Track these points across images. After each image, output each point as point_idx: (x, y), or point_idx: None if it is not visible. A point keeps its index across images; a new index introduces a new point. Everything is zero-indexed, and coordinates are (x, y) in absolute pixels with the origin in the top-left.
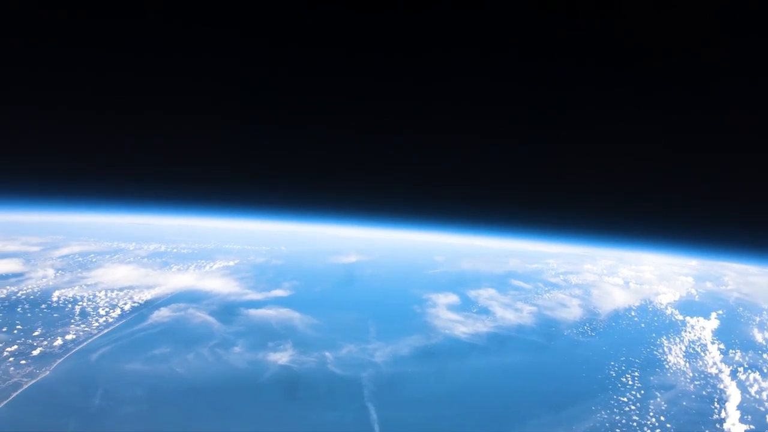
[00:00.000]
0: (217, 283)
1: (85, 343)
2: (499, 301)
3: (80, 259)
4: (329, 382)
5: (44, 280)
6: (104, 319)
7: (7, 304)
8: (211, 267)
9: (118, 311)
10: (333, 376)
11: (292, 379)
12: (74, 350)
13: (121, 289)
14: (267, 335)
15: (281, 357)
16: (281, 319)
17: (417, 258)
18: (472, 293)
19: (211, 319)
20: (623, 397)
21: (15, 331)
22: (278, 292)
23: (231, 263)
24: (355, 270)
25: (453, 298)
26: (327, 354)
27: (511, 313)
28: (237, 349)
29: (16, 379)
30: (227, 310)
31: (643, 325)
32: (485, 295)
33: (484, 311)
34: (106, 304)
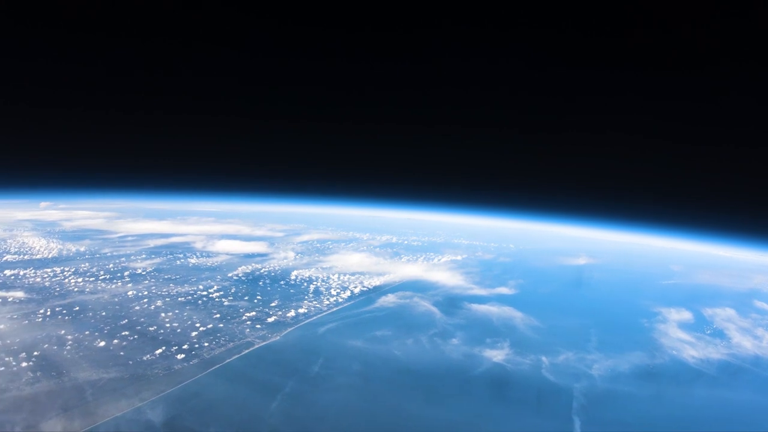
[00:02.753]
0: (443, 275)
1: (314, 318)
2: (737, 324)
3: (318, 245)
4: (540, 387)
5: (285, 261)
6: (334, 299)
7: (251, 278)
8: (439, 260)
9: (348, 293)
10: (545, 382)
11: (503, 378)
12: (304, 322)
13: (352, 274)
14: (486, 331)
15: (497, 355)
16: (502, 317)
17: (651, 265)
18: (707, 311)
19: (434, 309)
20: None
21: (255, 301)
22: (503, 290)
23: (459, 257)
24: (584, 273)
25: (686, 315)
26: (543, 358)
27: (749, 341)
28: (455, 340)
29: (249, 339)
30: (451, 302)
31: None
32: (722, 315)
33: (719, 334)
34: (337, 286)
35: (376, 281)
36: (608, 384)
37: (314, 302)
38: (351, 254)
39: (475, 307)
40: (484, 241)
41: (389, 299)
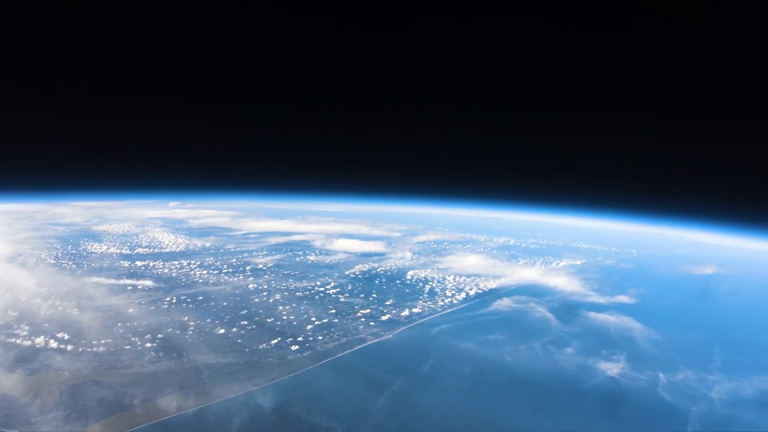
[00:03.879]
0: (561, 280)
1: (428, 318)
2: None
3: (435, 246)
4: (654, 406)
5: (401, 260)
6: (449, 300)
7: (368, 276)
8: (557, 264)
9: (463, 295)
10: (660, 401)
11: (616, 393)
12: (417, 322)
13: (468, 276)
14: (602, 342)
15: (612, 368)
16: (621, 328)
17: None
18: None
19: (549, 315)
20: None
21: (371, 298)
22: (622, 298)
23: (578, 262)
24: (711, 284)
25: None
26: (660, 375)
27: None
28: (569, 350)
29: (362, 336)
30: (567, 309)
31: None
32: None
33: None
34: (453, 287)
35: (492, 284)
36: (728, 409)
37: (428, 303)
38: (467, 256)
39: (593, 315)
40: (605, 245)
41: (504, 303)
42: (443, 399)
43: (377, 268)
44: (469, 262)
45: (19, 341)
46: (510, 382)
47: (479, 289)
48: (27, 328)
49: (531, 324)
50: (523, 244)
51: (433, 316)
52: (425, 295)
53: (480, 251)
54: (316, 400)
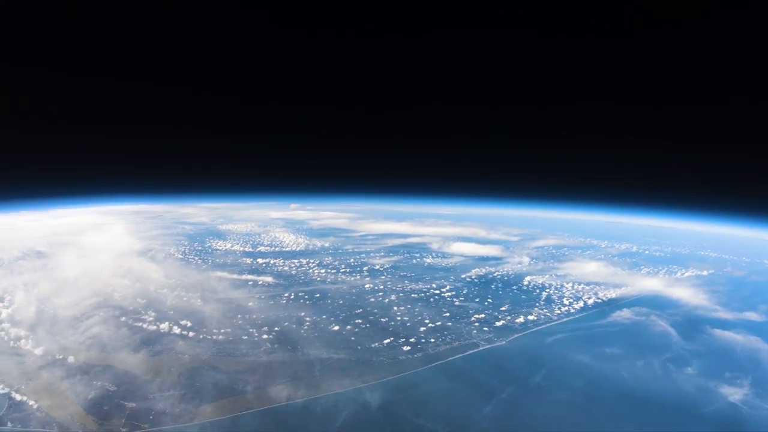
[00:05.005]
0: (685, 292)
1: (543, 326)
2: None
3: (554, 251)
4: None
5: (519, 265)
6: (566, 308)
7: (484, 280)
8: (682, 274)
9: (581, 304)
10: None
11: (735, 421)
12: (532, 330)
13: (587, 284)
14: (726, 363)
15: (734, 393)
16: (748, 348)
17: None
18: None
19: (671, 330)
20: None
21: (486, 303)
22: (751, 315)
23: (704, 272)
24: None
25: None
26: None
27: None
28: (689, 369)
29: (475, 341)
30: (691, 324)
31: None
32: None
33: None
34: (570, 295)
35: (612, 293)
36: None
37: (545, 310)
38: (587, 262)
39: (718, 332)
40: (735, 254)
41: (624, 314)
42: (553, 412)
43: (494, 272)
44: (589, 269)
45: (145, 326)
46: (624, 400)
47: (598, 298)
48: (153, 314)
49: (651, 339)
50: (646, 252)
51: (548, 325)
52: (541, 303)
53: (600, 258)
54: (422, 402)
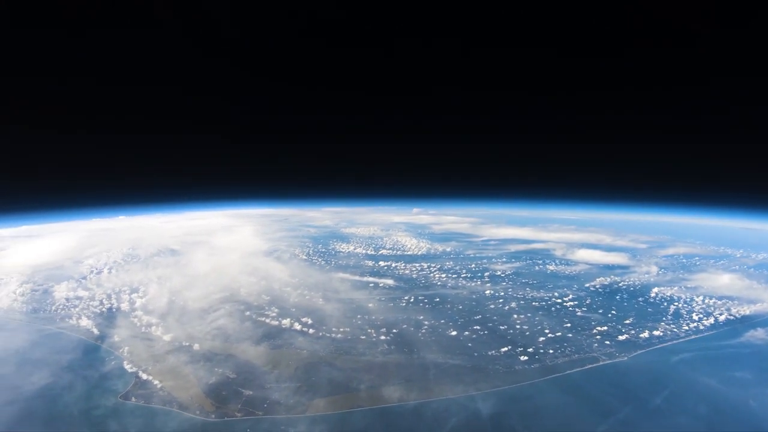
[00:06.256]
0: None
1: (669, 343)
2: None
3: (684, 260)
4: None
5: (646, 275)
6: (695, 325)
7: (608, 290)
8: None
9: (712, 320)
10: None
11: None
12: (657, 346)
13: (719, 298)
14: None
15: None
16: None
17: None
18: None
19: None
20: None
21: (609, 315)
22: None
23: None
24: None
25: None
26: None
27: None
28: None
29: (595, 354)
30: None
31: None
32: None
33: None
34: (701, 310)
35: (746, 310)
36: None
37: (672, 326)
38: (720, 274)
39: None
40: None
41: (758, 334)
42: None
43: (619, 282)
44: (722, 281)
45: (268, 321)
46: None
47: (731, 314)
48: (276, 310)
49: None
50: None
51: (675, 342)
52: (669, 317)
53: (735, 269)
54: (535, 415)
